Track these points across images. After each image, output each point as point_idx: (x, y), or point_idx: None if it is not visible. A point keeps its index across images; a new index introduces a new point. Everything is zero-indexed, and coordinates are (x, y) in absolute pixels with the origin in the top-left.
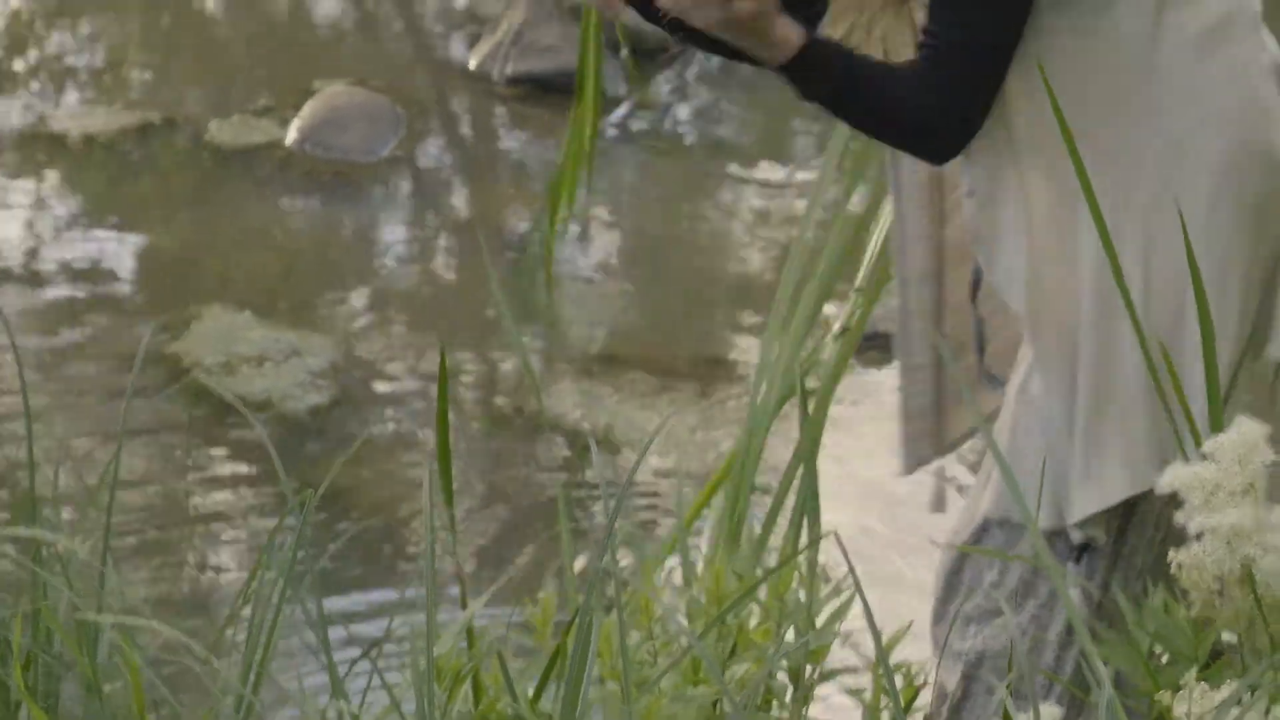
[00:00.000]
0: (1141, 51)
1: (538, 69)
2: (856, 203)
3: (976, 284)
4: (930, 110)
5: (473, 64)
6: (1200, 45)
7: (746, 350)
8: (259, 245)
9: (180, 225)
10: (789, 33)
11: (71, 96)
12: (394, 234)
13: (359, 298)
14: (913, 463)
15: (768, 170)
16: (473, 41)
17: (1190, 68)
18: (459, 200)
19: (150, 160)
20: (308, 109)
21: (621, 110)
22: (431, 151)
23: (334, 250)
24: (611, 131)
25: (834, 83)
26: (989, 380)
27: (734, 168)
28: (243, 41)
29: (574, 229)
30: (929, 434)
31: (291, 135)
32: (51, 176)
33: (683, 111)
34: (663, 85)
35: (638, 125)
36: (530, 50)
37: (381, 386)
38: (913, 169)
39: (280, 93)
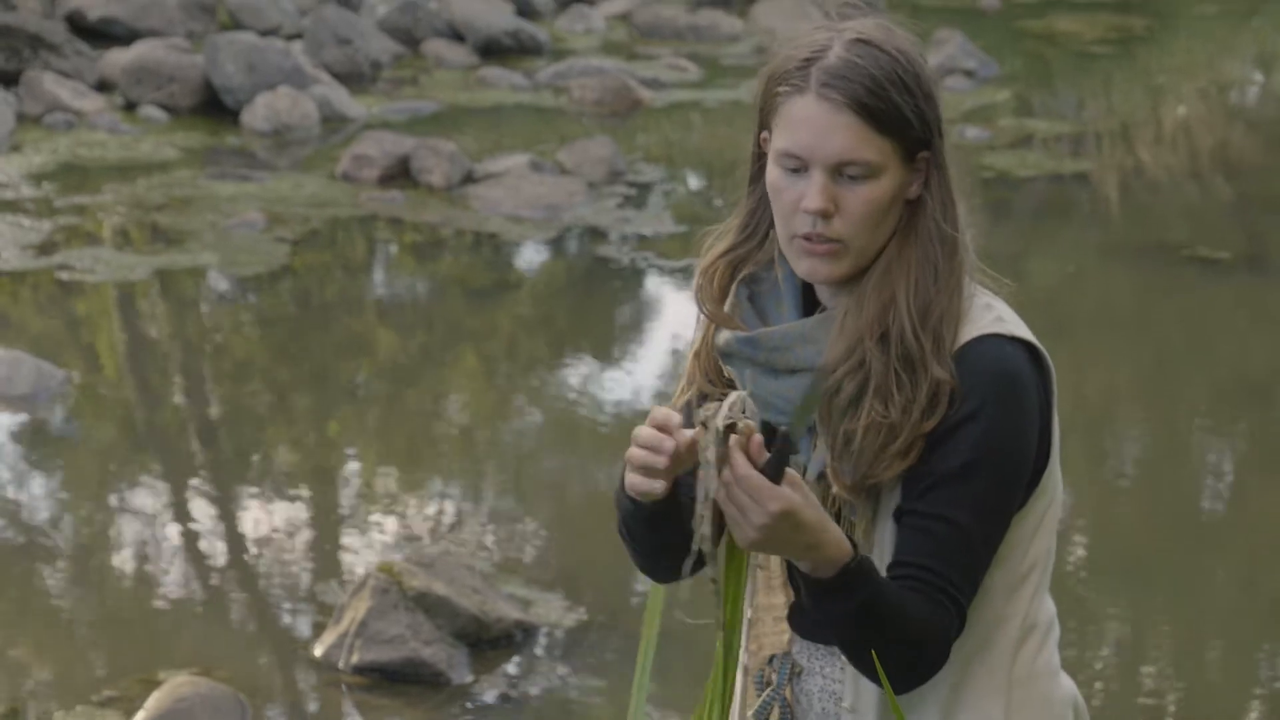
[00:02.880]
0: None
1: (383, 659)
2: None
3: None
4: (940, 632)
5: (318, 652)
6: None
7: None
8: None
9: None
10: (840, 539)
11: None
12: None
13: None
14: None
15: None
16: (318, 628)
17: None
18: None
19: None
20: (152, 700)
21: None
22: None
23: None
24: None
25: (870, 604)
26: None
27: None
28: (88, 626)
29: None
30: None
31: None
32: None
33: (533, 688)
34: (508, 667)
35: (488, 706)
36: (375, 640)
37: None
38: None
39: (124, 684)
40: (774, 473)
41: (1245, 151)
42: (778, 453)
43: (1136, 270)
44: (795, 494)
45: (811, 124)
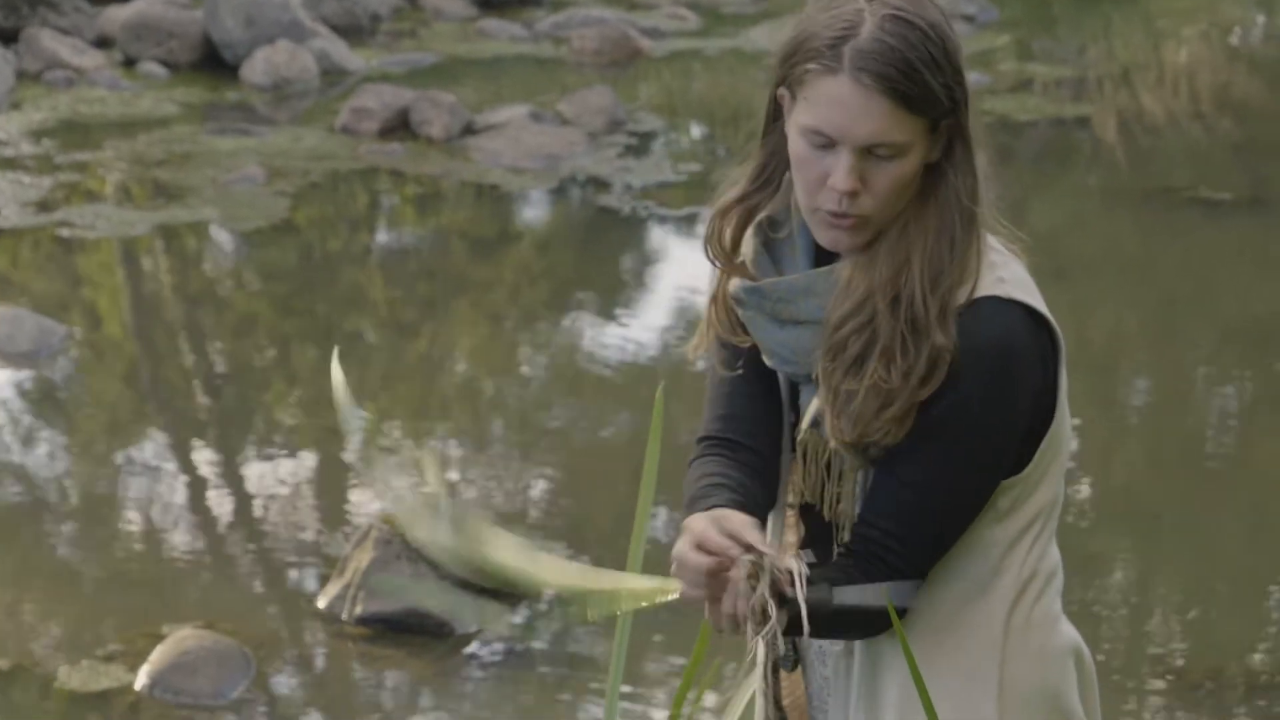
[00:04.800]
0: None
1: (386, 610)
2: None
3: None
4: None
5: (322, 604)
6: None
7: None
8: None
9: None
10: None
11: None
12: None
13: None
14: None
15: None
16: (322, 579)
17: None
18: None
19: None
20: (157, 653)
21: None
22: (282, 692)
23: None
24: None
25: (827, 624)
26: None
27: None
28: (93, 581)
29: None
30: None
31: (141, 680)
32: None
33: (536, 639)
34: (511, 618)
35: (492, 656)
36: (379, 591)
37: None
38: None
39: (129, 638)
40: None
41: (1247, 93)
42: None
43: (1139, 213)
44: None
45: (844, 107)
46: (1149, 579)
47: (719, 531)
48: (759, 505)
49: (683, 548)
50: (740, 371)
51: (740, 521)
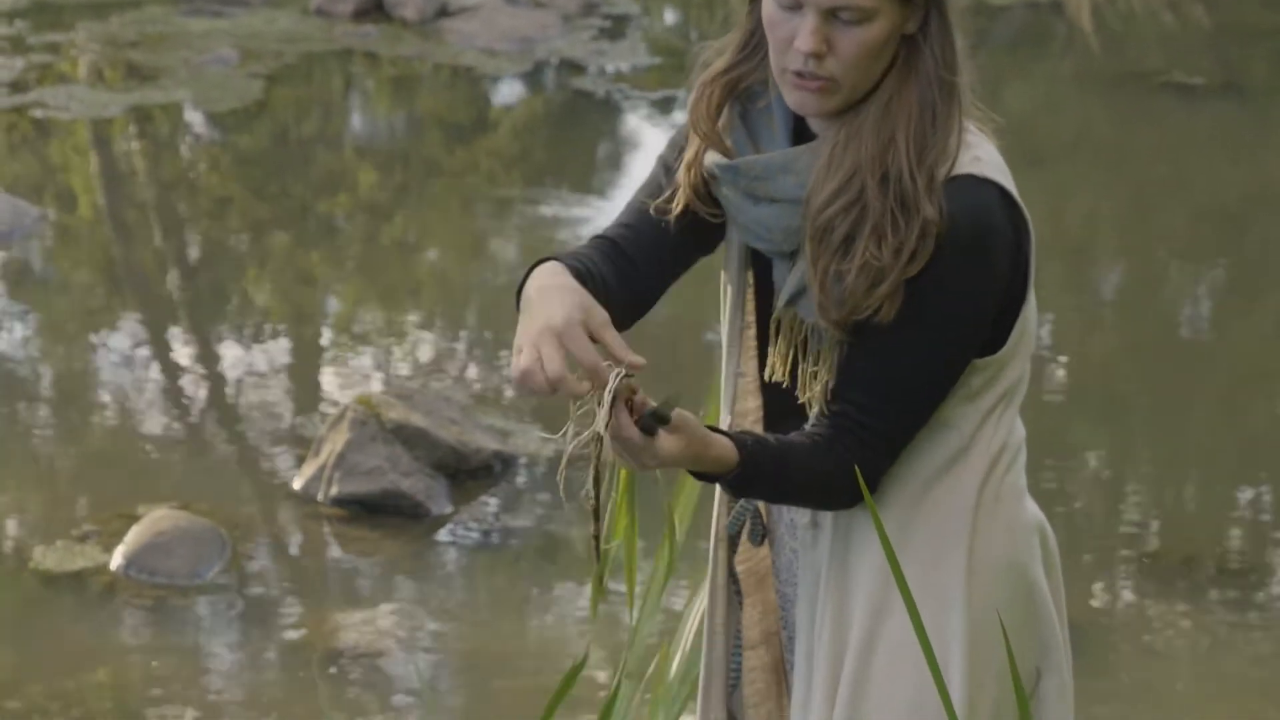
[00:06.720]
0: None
1: (362, 490)
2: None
3: None
4: (852, 478)
5: (297, 485)
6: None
7: None
8: (85, 670)
9: (4, 650)
10: (724, 453)
11: None
12: (221, 656)
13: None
14: None
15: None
16: (298, 461)
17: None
18: (286, 621)
19: None
20: (132, 534)
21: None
22: (257, 572)
23: (161, 674)
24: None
25: (770, 484)
26: None
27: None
28: (67, 462)
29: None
30: None
31: (116, 560)
32: None
33: (512, 519)
34: (487, 498)
35: (467, 538)
36: (354, 472)
37: None
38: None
39: (104, 518)
40: (648, 426)
41: None
42: (651, 413)
43: (1112, 98)
44: (670, 443)
45: None
46: (1122, 463)
47: (585, 333)
48: (605, 293)
49: (547, 343)
50: (666, 216)
51: (602, 320)
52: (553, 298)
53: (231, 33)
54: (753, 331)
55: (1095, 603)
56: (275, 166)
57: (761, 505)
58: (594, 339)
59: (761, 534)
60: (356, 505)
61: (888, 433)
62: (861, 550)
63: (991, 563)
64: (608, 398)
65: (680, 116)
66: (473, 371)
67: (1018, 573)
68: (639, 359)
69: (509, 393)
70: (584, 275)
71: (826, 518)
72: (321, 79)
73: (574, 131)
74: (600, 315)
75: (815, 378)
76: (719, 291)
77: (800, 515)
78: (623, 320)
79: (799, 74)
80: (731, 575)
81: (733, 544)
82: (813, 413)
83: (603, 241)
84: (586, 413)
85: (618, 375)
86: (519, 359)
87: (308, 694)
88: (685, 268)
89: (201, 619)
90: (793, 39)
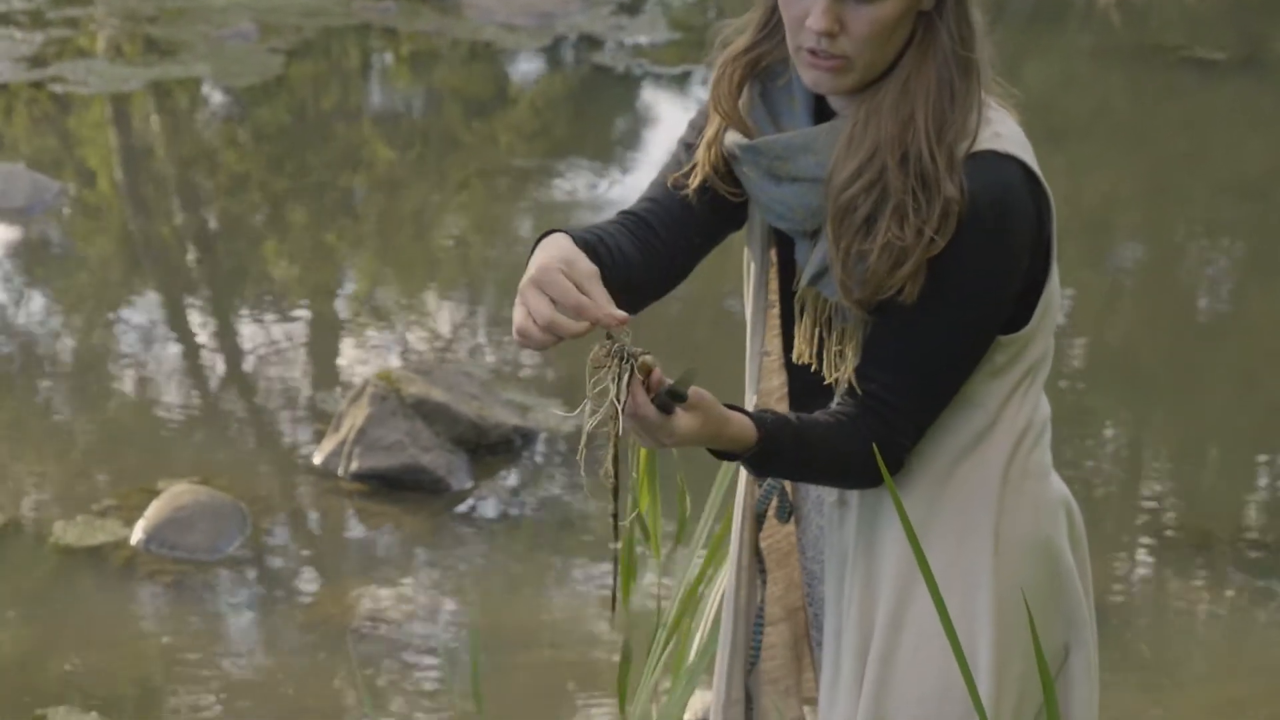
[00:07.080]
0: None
1: (382, 465)
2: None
3: None
4: (872, 457)
5: (317, 460)
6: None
7: None
8: (105, 645)
9: (25, 625)
10: (742, 431)
11: None
12: (241, 630)
13: (208, 696)
14: None
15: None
16: (317, 436)
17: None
18: (306, 596)
19: None
20: (152, 509)
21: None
22: (277, 547)
23: (182, 648)
24: (460, 517)
25: (790, 463)
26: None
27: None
28: (87, 438)
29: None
30: None
31: (136, 535)
32: None
33: (531, 493)
34: (506, 473)
35: (487, 513)
36: (374, 447)
37: None
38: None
39: (124, 493)
40: (665, 404)
41: None
42: (668, 391)
43: (1132, 72)
44: (687, 421)
45: None
46: (1141, 438)
47: (566, 277)
48: (623, 264)
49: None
50: (684, 190)
51: (588, 271)
52: (538, 257)
53: (251, 7)
54: (776, 310)
55: (1113, 578)
56: (294, 142)
57: (787, 483)
58: (581, 291)
59: (789, 511)
60: (376, 480)
61: (912, 411)
62: (888, 529)
63: (1018, 540)
64: (623, 377)
65: (699, 91)
66: (492, 346)
67: (1044, 549)
68: (621, 313)
69: (528, 368)
70: (590, 244)
71: (853, 496)
72: (341, 54)
73: (593, 106)
74: (586, 267)
75: (841, 357)
76: (735, 270)
77: (828, 493)
78: (651, 292)
79: (813, 52)
80: (755, 552)
81: (759, 521)
82: (839, 391)
83: (626, 215)
84: (603, 391)
85: (629, 354)
86: (514, 322)
87: (327, 668)
88: (715, 242)
89: (221, 594)
90: (806, 17)
